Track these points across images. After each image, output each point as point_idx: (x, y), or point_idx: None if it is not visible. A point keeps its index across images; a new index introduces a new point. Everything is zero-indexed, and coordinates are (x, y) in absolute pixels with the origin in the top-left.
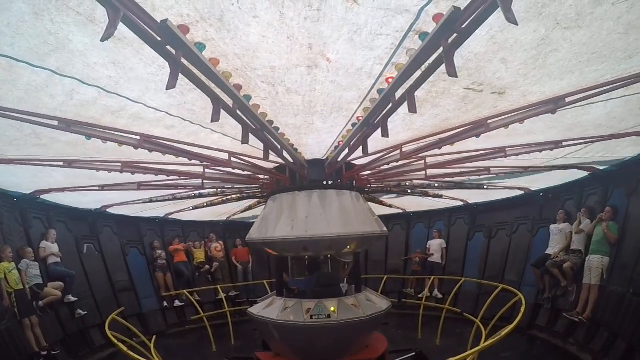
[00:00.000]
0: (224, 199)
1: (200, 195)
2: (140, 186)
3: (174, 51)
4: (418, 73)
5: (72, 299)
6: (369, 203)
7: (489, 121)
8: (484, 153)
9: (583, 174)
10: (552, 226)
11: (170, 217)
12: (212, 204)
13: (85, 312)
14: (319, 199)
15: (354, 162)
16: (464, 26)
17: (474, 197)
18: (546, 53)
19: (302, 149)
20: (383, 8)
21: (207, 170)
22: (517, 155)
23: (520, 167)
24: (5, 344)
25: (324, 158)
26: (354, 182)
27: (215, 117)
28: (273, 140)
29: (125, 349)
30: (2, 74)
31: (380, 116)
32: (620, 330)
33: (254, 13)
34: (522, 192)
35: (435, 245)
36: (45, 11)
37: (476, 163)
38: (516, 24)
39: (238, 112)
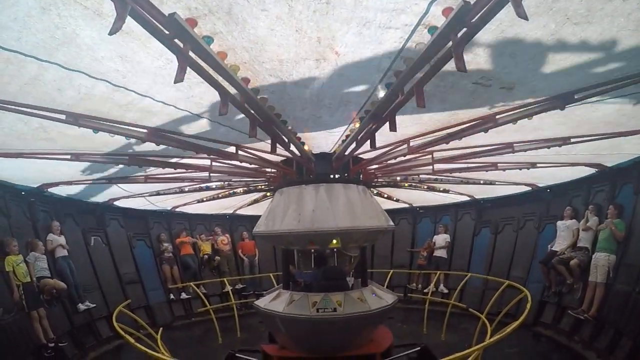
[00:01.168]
0: (231, 192)
1: (207, 188)
2: (147, 179)
3: (181, 44)
4: (427, 67)
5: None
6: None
7: (497, 116)
8: (492, 148)
9: (591, 170)
10: (559, 222)
11: (177, 210)
12: (218, 197)
13: (94, 305)
14: (326, 192)
15: (361, 155)
16: (473, 20)
17: (481, 192)
18: (556, 48)
19: (309, 143)
20: (392, 1)
21: (214, 163)
22: (524, 151)
23: (528, 163)
24: (13, 336)
25: (331, 152)
26: (361, 176)
27: (223, 111)
28: (280, 134)
29: (132, 340)
30: (10, 69)
31: (388, 110)
32: (625, 328)
33: (263, 6)
34: (529, 188)
35: (441, 240)
36: (52, 5)
37: (483, 158)
38: (526, 18)
39: (246, 105)
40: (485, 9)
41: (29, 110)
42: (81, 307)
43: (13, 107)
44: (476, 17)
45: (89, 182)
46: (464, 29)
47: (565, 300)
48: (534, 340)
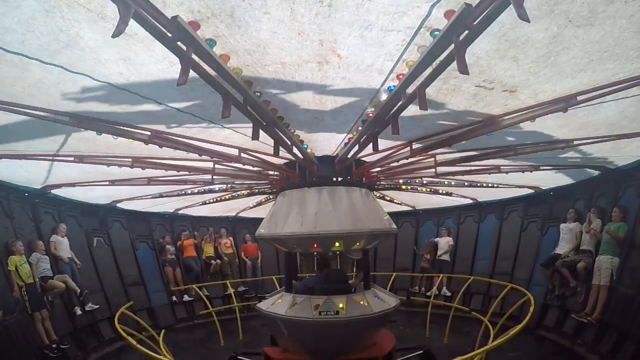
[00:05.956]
0: (234, 194)
1: (210, 191)
2: (150, 181)
3: (184, 47)
4: (429, 70)
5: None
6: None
7: (500, 119)
8: (494, 151)
9: (594, 173)
10: (562, 225)
11: (179, 212)
12: (221, 200)
13: (97, 307)
14: (329, 195)
15: (363, 158)
16: (475, 23)
17: (484, 195)
18: (558, 51)
19: (312, 145)
20: (394, 4)
21: (217, 166)
22: (527, 153)
23: (531, 165)
24: (15, 337)
25: (334, 154)
26: (364, 179)
27: (225, 113)
28: (283, 137)
29: (134, 342)
30: (14, 71)
31: (391, 113)
32: (628, 331)
33: (265, 9)
34: (532, 191)
35: (444, 244)
36: (56, 8)
37: (486, 161)
38: (528, 21)
39: (248, 108)
40: (487, 11)
41: (32, 112)
42: (84, 308)
43: (17, 108)
44: (478, 20)
45: (92, 183)
46: (466, 32)
47: (568, 303)
48: (537, 343)
